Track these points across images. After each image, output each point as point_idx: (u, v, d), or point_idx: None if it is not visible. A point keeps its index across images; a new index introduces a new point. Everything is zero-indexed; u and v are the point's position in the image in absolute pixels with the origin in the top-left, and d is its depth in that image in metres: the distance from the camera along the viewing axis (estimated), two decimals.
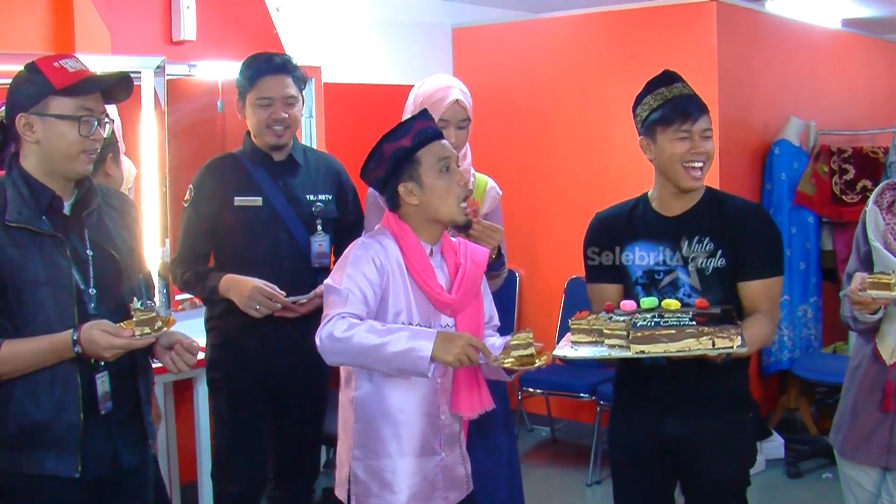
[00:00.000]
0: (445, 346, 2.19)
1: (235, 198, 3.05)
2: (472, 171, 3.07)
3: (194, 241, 3.13)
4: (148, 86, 3.94)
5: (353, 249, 2.40)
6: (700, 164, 2.55)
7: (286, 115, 3.03)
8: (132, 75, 3.88)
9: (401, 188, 2.41)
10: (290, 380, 3.12)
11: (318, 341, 2.27)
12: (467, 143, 3.04)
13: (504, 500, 3.08)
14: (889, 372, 2.62)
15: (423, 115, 2.50)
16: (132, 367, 2.33)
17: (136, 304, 2.19)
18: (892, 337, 2.61)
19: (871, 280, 2.43)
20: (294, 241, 3.07)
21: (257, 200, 3.05)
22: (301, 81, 3.10)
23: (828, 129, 5.57)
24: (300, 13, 4.97)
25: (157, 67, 3.95)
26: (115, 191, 2.56)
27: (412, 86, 3.05)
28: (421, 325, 2.38)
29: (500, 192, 3.13)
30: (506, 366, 2.28)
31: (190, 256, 3.13)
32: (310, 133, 4.74)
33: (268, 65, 3.04)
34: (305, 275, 3.07)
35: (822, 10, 6.33)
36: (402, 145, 2.39)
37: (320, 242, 3.09)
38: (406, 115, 2.97)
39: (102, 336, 2.13)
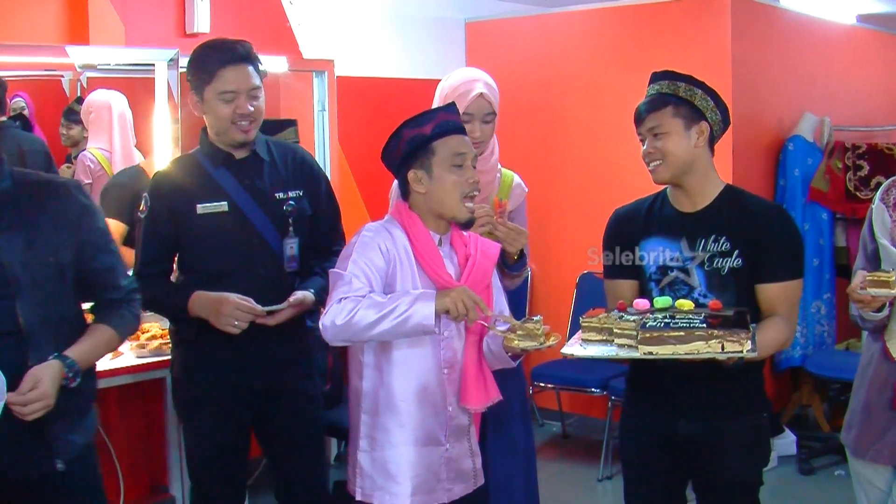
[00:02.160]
0: (443, 297, 2.28)
1: (198, 205, 2.73)
2: (499, 167, 3.04)
3: (154, 257, 2.81)
4: (161, 78, 3.96)
5: (358, 236, 2.42)
6: (655, 164, 2.52)
7: (252, 109, 2.72)
8: (146, 67, 3.97)
9: (410, 174, 2.43)
10: (275, 397, 2.85)
11: (321, 327, 2.30)
12: (495, 139, 2.99)
13: (521, 499, 3.07)
14: None
15: (450, 107, 2.51)
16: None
17: None
18: None
19: (870, 278, 2.41)
20: (267, 246, 2.79)
21: (222, 205, 2.74)
22: (261, 70, 2.80)
23: (842, 125, 5.54)
24: (313, 6, 4.97)
25: (171, 60, 3.96)
26: (63, 190, 2.28)
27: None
28: None
29: (526, 189, 3.10)
30: (513, 344, 2.30)
31: (151, 273, 2.79)
32: (322, 127, 4.74)
33: (231, 54, 2.70)
34: (281, 282, 2.82)
35: (837, 5, 6.28)
36: (421, 133, 2.42)
37: (291, 245, 2.82)
38: None
39: None
